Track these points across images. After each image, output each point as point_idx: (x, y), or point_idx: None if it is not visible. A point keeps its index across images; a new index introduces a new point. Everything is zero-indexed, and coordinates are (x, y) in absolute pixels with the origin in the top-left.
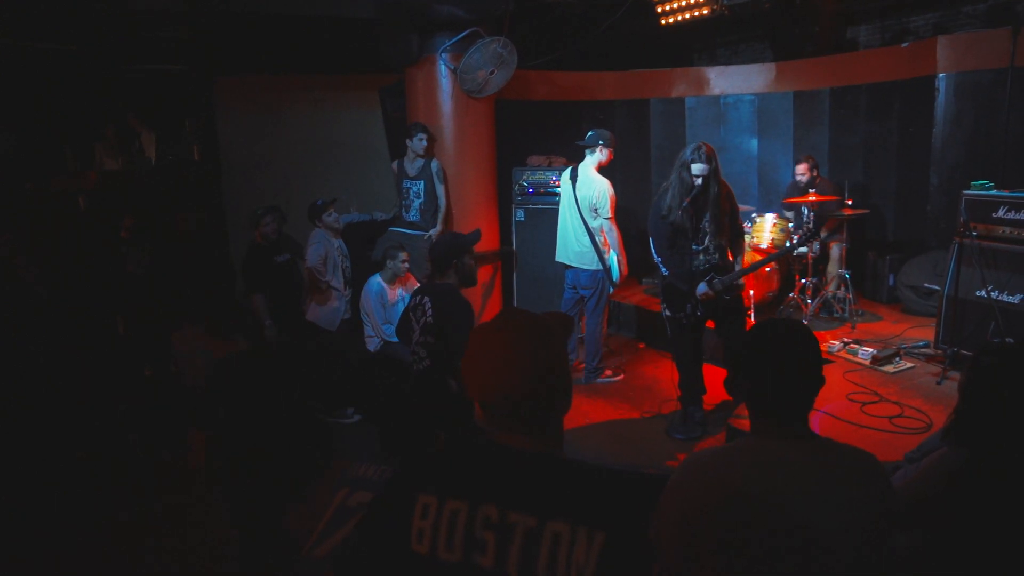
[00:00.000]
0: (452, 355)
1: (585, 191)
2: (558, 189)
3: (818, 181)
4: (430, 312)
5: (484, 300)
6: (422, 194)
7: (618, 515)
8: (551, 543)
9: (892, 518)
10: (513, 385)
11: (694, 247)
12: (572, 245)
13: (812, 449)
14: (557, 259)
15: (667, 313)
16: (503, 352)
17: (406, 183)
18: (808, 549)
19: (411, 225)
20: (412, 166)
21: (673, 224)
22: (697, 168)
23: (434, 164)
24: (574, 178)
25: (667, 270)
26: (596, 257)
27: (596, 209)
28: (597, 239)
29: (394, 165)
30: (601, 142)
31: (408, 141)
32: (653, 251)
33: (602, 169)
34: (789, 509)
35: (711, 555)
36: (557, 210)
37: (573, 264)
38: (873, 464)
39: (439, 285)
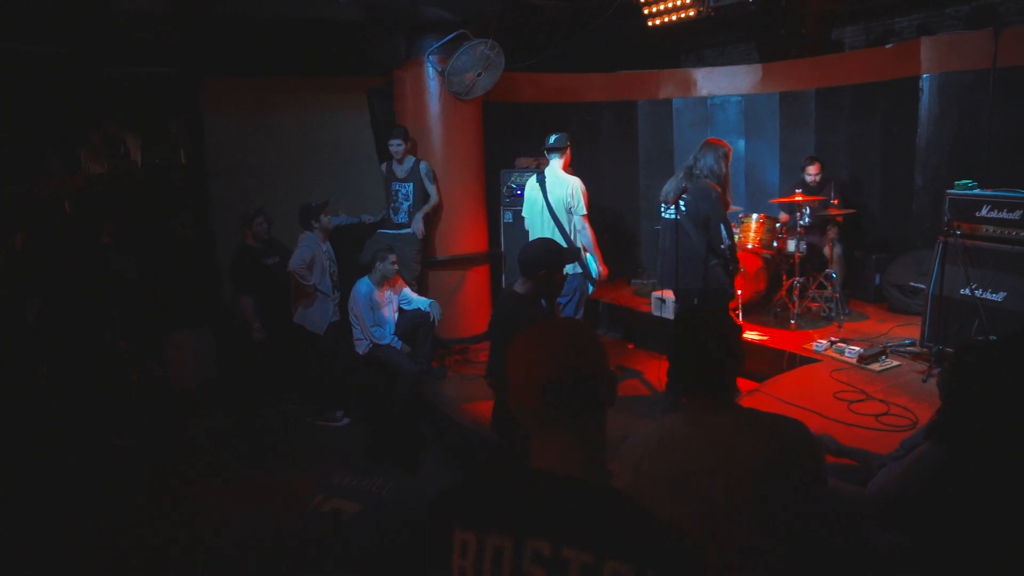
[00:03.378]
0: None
1: (558, 191)
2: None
3: (824, 184)
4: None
5: (471, 303)
6: (411, 196)
7: (677, 556)
8: None
9: (821, 480)
10: (554, 370)
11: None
12: None
13: (737, 420)
14: None
15: (730, 291)
16: (543, 344)
17: (395, 185)
18: (737, 513)
19: (400, 227)
20: (401, 168)
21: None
22: None
23: (423, 166)
24: (542, 182)
25: (731, 252)
26: (573, 260)
27: (571, 209)
28: (573, 241)
29: (383, 167)
30: (567, 144)
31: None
32: (725, 235)
33: (582, 169)
34: (717, 476)
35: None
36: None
37: None
38: (798, 430)
39: (513, 294)
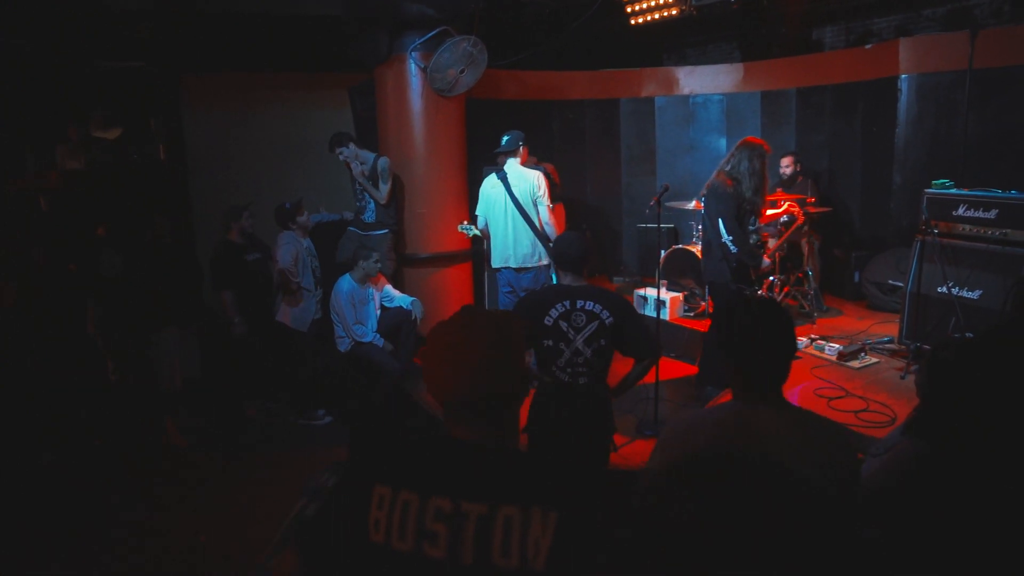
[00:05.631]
0: (637, 349)
1: (522, 185)
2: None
3: (800, 179)
4: (608, 316)
5: (453, 300)
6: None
7: (570, 496)
8: (504, 527)
9: (857, 480)
10: (472, 383)
11: (750, 227)
12: (520, 247)
13: (788, 416)
14: (497, 264)
15: (732, 287)
16: (461, 350)
17: (358, 185)
18: (782, 505)
19: (368, 227)
20: (364, 168)
21: (747, 208)
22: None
23: (381, 161)
24: (504, 178)
25: (736, 248)
26: (540, 254)
27: (536, 201)
28: (540, 234)
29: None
30: (520, 143)
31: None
32: (723, 232)
33: (565, 167)
34: (766, 467)
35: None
36: None
37: (518, 266)
38: (842, 432)
39: (592, 287)
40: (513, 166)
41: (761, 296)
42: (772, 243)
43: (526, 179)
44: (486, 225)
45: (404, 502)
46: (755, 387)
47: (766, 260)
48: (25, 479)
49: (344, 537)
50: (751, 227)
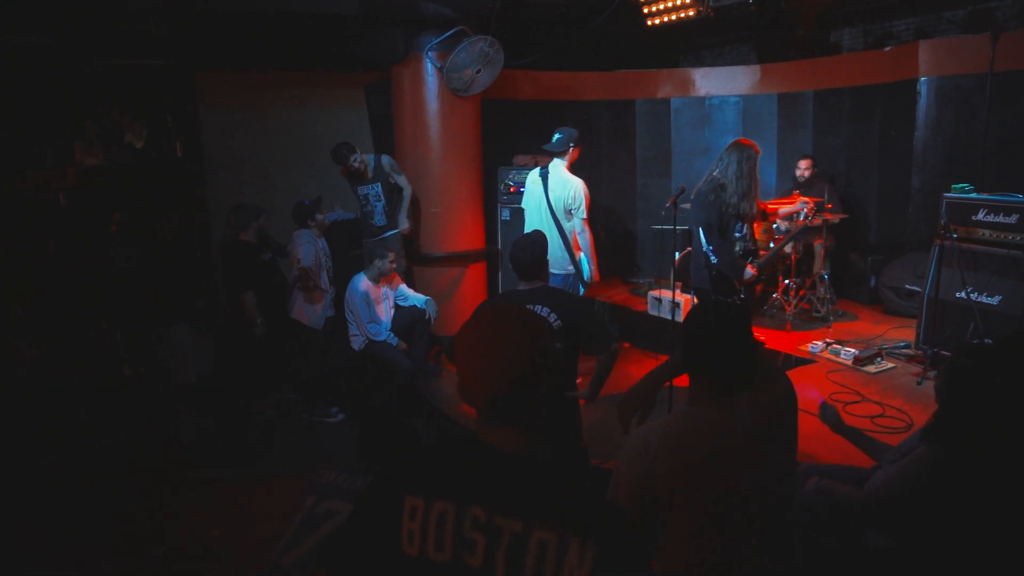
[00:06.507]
0: (595, 345)
1: (560, 192)
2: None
3: (816, 183)
4: (555, 319)
5: (467, 300)
6: (382, 195)
7: (610, 531)
8: (538, 550)
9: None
10: (508, 372)
11: (736, 235)
12: (550, 250)
13: (736, 413)
14: None
15: (712, 297)
16: (496, 341)
17: (362, 189)
18: (744, 503)
19: (380, 230)
20: (366, 168)
21: (732, 215)
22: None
23: (385, 159)
24: (545, 177)
25: (716, 259)
26: (566, 260)
27: (571, 211)
28: (569, 241)
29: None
30: (571, 144)
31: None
32: (704, 241)
33: (578, 169)
34: (722, 469)
35: (662, 512)
36: None
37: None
38: (788, 385)
39: (545, 290)
40: (557, 168)
41: (719, 301)
42: (772, 246)
43: (564, 186)
44: None
45: (440, 512)
46: (710, 392)
47: (749, 271)
48: (26, 479)
49: (375, 551)
50: (737, 234)
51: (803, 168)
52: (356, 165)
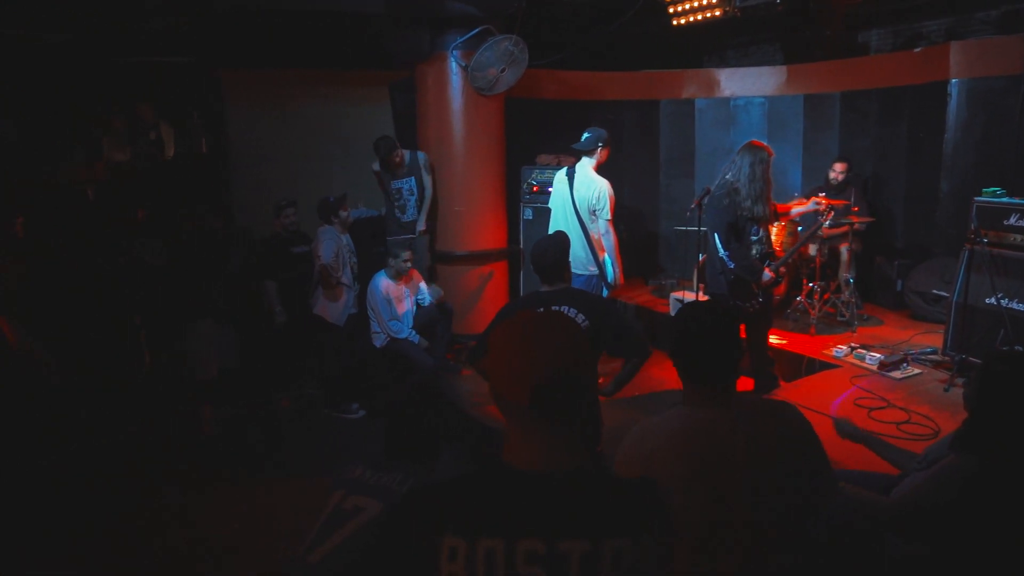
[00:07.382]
0: (625, 348)
1: (584, 192)
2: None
3: (847, 186)
4: (583, 319)
5: (488, 298)
6: (415, 190)
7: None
8: (613, 560)
9: (822, 462)
10: (551, 369)
11: (752, 238)
12: (573, 250)
13: (736, 415)
14: None
15: (730, 302)
16: (539, 338)
17: (395, 183)
18: (738, 504)
19: (409, 225)
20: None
21: (746, 218)
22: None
23: (420, 156)
24: (571, 177)
25: (733, 264)
26: (589, 261)
27: (595, 211)
28: (593, 242)
29: (374, 167)
30: (600, 144)
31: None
32: (719, 246)
33: (602, 169)
34: (719, 470)
35: None
36: None
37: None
38: (795, 413)
39: (569, 291)
40: (584, 168)
41: (707, 301)
42: (789, 249)
43: (589, 187)
44: None
45: (487, 550)
46: (703, 390)
47: (767, 273)
48: (34, 477)
49: None
50: (753, 237)
51: (838, 171)
52: (395, 160)
